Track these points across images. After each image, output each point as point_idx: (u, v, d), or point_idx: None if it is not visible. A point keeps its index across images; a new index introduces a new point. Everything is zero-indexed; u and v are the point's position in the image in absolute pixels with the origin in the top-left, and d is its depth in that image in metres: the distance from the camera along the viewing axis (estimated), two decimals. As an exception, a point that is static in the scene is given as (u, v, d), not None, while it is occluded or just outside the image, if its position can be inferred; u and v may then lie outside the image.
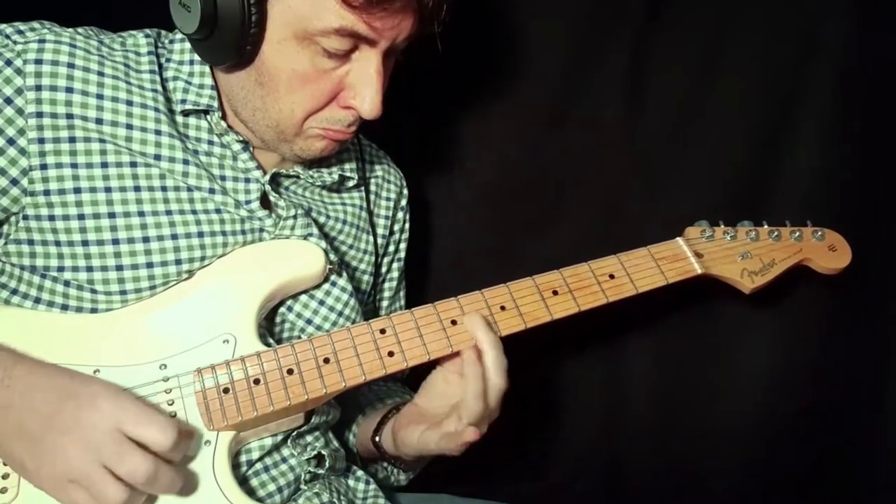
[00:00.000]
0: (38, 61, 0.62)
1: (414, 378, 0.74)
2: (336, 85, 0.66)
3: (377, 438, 0.75)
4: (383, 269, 0.86)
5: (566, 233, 1.05)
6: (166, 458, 0.56)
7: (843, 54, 0.99)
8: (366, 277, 0.82)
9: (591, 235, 1.04)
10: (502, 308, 0.71)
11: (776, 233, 0.82)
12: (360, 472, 0.78)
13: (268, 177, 0.72)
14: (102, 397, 0.56)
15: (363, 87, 0.65)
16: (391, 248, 0.87)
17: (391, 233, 0.86)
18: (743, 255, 0.80)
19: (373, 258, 0.82)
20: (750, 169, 1.03)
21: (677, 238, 0.80)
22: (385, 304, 0.87)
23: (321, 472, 0.71)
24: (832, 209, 1.00)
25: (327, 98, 0.66)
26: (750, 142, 1.03)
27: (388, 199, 0.86)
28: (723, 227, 0.82)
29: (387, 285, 0.87)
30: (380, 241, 0.84)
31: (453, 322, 0.69)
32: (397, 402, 0.80)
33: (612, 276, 0.75)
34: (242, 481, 0.66)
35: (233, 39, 0.62)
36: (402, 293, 0.90)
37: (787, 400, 1.06)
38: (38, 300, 0.64)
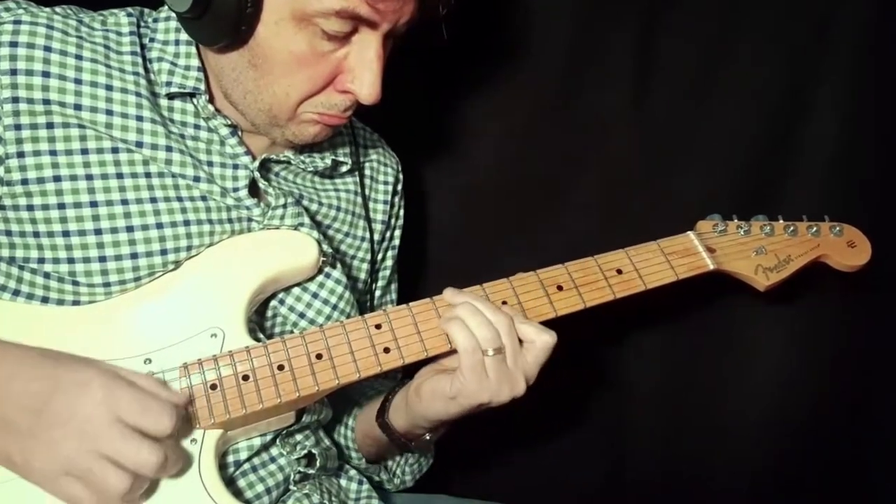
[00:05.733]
0: (14, 44, 0.60)
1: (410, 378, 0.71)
2: (334, 68, 0.63)
3: (384, 417, 0.72)
4: (378, 257, 0.83)
5: (571, 225, 1.02)
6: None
7: (861, 35, 0.95)
8: (364, 266, 0.80)
9: (598, 228, 1.01)
10: (504, 304, 0.68)
11: (792, 228, 0.78)
12: (352, 472, 0.76)
13: (257, 163, 0.69)
14: (95, 385, 0.53)
15: (362, 72, 0.62)
16: (387, 235, 0.84)
17: (388, 217, 0.83)
18: (757, 251, 0.77)
19: (370, 245, 0.79)
20: (763, 157, 1.00)
21: (688, 232, 0.77)
22: (377, 294, 0.84)
23: (311, 472, 0.69)
24: (848, 199, 0.97)
25: (324, 82, 0.64)
26: (763, 130, 1.00)
27: (385, 182, 0.83)
28: (736, 221, 0.79)
29: (380, 275, 0.84)
30: (379, 226, 0.81)
31: (452, 318, 0.66)
32: (399, 386, 0.76)
33: (619, 272, 0.72)
34: (229, 482, 0.64)
35: (227, 19, 0.59)
36: (393, 286, 0.87)
37: (798, 400, 1.04)
38: (16, 292, 0.62)
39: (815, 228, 0.79)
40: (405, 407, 0.69)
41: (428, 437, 0.72)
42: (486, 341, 0.63)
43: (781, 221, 0.79)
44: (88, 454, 0.51)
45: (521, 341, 0.65)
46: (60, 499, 0.53)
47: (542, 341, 0.64)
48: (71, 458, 0.51)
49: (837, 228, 0.79)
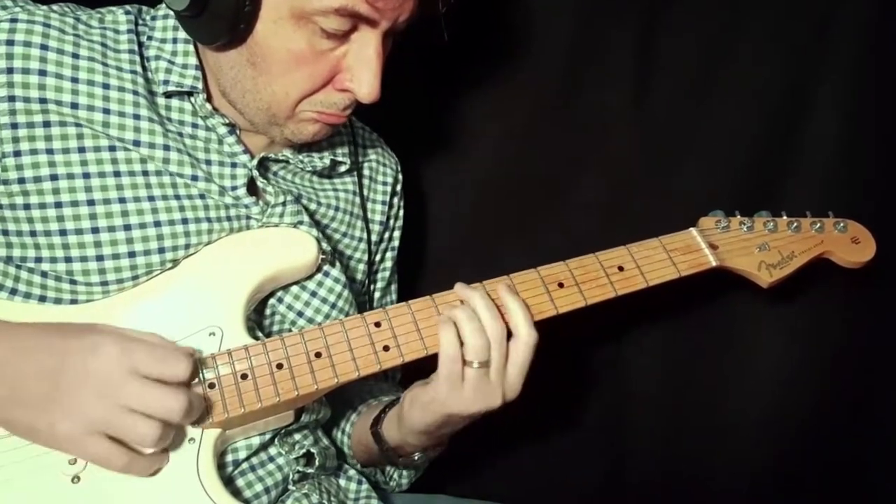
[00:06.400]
0: (10, 42, 0.59)
1: (408, 381, 0.70)
2: (333, 67, 0.62)
3: (378, 427, 0.72)
4: (377, 258, 0.83)
5: (572, 224, 1.01)
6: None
7: (861, 34, 0.95)
8: (361, 266, 0.79)
9: (599, 228, 1.00)
10: (503, 302, 0.67)
11: (796, 224, 0.78)
12: (351, 472, 0.76)
13: (255, 161, 0.68)
14: (106, 343, 0.54)
15: (362, 70, 0.62)
16: (385, 236, 0.84)
17: (387, 219, 0.83)
18: (761, 247, 0.76)
19: (367, 245, 0.79)
20: (764, 156, 0.99)
21: (690, 228, 0.76)
22: (377, 295, 0.84)
23: (310, 471, 0.69)
24: (849, 197, 0.96)
25: (323, 80, 0.63)
26: (764, 129, 0.99)
27: (384, 183, 0.82)
28: (739, 217, 0.78)
29: (379, 276, 0.84)
30: (377, 227, 0.81)
31: (452, 315, 0.66)
32: (399, 396, 0.76)
33: (621, 269, 0.71)
34: (228, 482, 0.63)
35: (225, 17, 0.58)
36: (393, 286, 0.87)
37: (800, 398, 1.03)
38: (13, 291, 0.62)
39: (818, 224, 0.78)
40: (397, 419, 0.69)
41: (417, 457, 0.72)
42: (474, 351, 0.61)
43: (785, 217, 0.78)
44: (114, 409, 0.52)
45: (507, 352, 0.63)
46: (91, 460, 0.55)
47: (528, 336, 0.63)
48: (97, 415, 0.52)
49: (842, 224, 0.78)
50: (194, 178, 0.65)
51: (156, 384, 0.54)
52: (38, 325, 0.57)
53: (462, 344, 0.62)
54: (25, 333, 0.56)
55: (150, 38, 0.66)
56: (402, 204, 0.86)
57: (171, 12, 0.65)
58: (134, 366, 0.53)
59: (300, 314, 0.71)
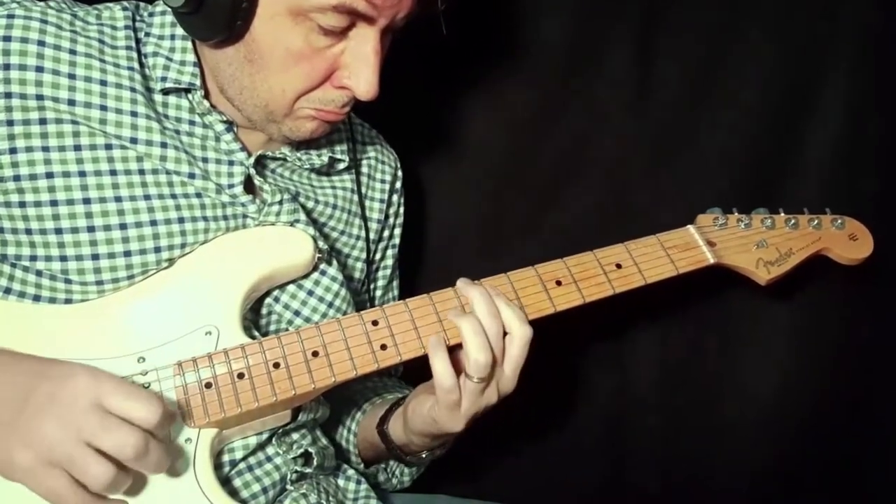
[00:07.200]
0: (7, 38, 0.59)
1: (409, 377, 0.70)
2: (331, 64, 0.62)
3: (384, 426, 0.72)
4: (377, 256, 0.83)
5: (570, 221, 1.01)
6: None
7: (861, 34, 0.95)
8: (359, 265, 0.79)
9: (597, 224, 1.00)
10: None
11: (793, 221, 0.78)
12: (350, 472, 0.75)
13: (252, 159, 0.68)
14: (78, 373, 0.52)
15: (359, 67, 0.61)
16: (385, 234, 0.83)
17: (386, 216, 0.83)
18: (758, 244, 0.76)
19: (365, 243, 0.79)
20: (764, 155, 1.00)
21: (688, 226, 0.76)
22: (378, 293, 0.84)
23: (308, 470, 0.68)
24: (849, 194, 0.96)
25: (321, 78, 0.63)
26: (764, 128, 0.99)
27: (382, 181, 0.82)
28: (737, 214, 0.78)
29: (380, 273, 0.84)
30: (375, 225, 0.81)
31: (450, 314, 0.65)
32: (405, 393, 0.76)
33: (619, 266, 0.71)
34: (225, 482, 0.63)
35: (222, 14, 0.58)
36: (395, 283, 0.86)
37: (799, 397, 1.03)
38: (7, 290, 0.61)
39: (816, 221, 0.78)
40: (402, 421, 0.69)
41: (424, 455, 0.72)
42: (477, 368, 0.61)
43: (782, 214, 0.78)
44: (71, 441, 0.49)
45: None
46: (45, 495, 0.51)
47: (522, 332, 0.63)
48: (51, 445, 0.49)
49: (839, 221, 0.78)
50: (191, 175, 0.64)
51: (115, 419, 0.51)
52: (20, 354, 0.56)
53: (457, 346, 0.62)
54: (7, 356, 0.55)
55: (147, 34, 0.66)
56: (402, 201, 0.85)
57: (169, 8, 0.65)
58: (100, 396, 0.51)
59: (297, 313, 0.70)
